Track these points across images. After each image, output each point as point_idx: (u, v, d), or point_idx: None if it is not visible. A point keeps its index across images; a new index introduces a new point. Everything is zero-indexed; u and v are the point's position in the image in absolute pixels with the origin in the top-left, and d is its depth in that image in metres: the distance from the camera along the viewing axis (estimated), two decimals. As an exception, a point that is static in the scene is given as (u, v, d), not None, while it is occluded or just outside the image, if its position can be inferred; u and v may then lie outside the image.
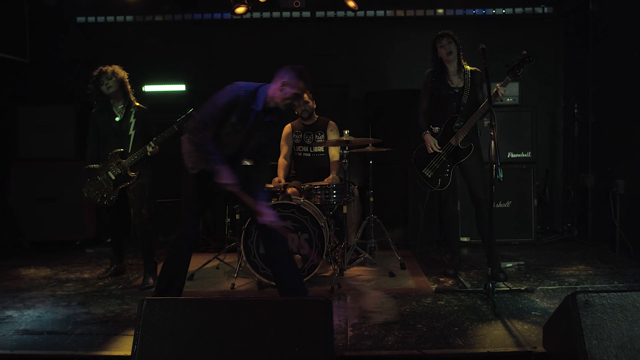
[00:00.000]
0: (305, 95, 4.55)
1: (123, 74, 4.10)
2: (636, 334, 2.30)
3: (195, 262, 4.29)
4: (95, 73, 4.07)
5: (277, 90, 3.14)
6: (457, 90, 4.05)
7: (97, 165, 4.11)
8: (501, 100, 4.03)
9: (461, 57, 4.07)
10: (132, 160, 4.02)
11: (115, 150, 4.06)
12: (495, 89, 3.72)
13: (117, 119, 4.10)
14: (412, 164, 4.27)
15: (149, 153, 4.00)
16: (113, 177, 4.06)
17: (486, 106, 3.78)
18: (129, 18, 5.96)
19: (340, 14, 5.92)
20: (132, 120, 4.08)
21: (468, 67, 4.08)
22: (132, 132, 4.07)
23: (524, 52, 3.65)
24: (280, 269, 3.37)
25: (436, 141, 4.08)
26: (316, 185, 4.22)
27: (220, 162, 3.09)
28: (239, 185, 3.14)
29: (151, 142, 3.99)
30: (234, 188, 3.14)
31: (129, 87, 4.13)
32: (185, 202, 3.37)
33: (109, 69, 4.06)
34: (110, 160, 4.06)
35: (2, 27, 5.35)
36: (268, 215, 3.22)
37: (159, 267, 4.19)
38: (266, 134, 3.32)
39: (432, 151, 4.09)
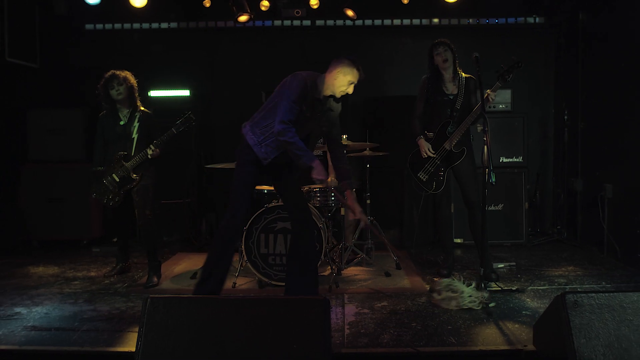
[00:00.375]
0: None
1: (134, 82, 4.14)
2: (623, 333, 2.32)
3: (198, 261, 4.39)
4: (107, 75, 4.10)
5: (332, 79, 3.24)
6: (451, 97, 4.11)
7: (103, 167, 4.19)
8: (493, 107, 4.10)
9: (457, 64, 4.13)
10: (134, 163, 4.08)
11: (119, 153, 4.13)
12: (486, 94, 3.79)
13: (122, 122, 4.15)
14: (408, 168, 4.34)
15: (149, 155, 4.04)
16: (117, 179, 4.13)
17: (478, 111, 3.87)
18: (136, 25, 6.01)
19: (340, 22, 5.97)
20: (136, 124, 4.14)
21: (463, 75, 4.14)
22: (135, 135, 4.12)
23: (513, 57, 3.73)
24: (296, 272, 3.42)
25: (430, 146, 4.15)
26: (315, 188, 4.31)
27: (314, 158, 3.11)
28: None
29: (151, 145, 4.04)
30: (325, 184, 3.23)
31: (137, 94, 4.17)
32: (239, 189, 3.32)
33: (121, 74, 4.09)
34: (114, 163, 4.13)
35: (13, 34, 5.39)
36: (358, 212, 3.34)
37: (164, 265, 4.31)
38: (327, 122, 3.39)
39: (426, 156, 4.17)
